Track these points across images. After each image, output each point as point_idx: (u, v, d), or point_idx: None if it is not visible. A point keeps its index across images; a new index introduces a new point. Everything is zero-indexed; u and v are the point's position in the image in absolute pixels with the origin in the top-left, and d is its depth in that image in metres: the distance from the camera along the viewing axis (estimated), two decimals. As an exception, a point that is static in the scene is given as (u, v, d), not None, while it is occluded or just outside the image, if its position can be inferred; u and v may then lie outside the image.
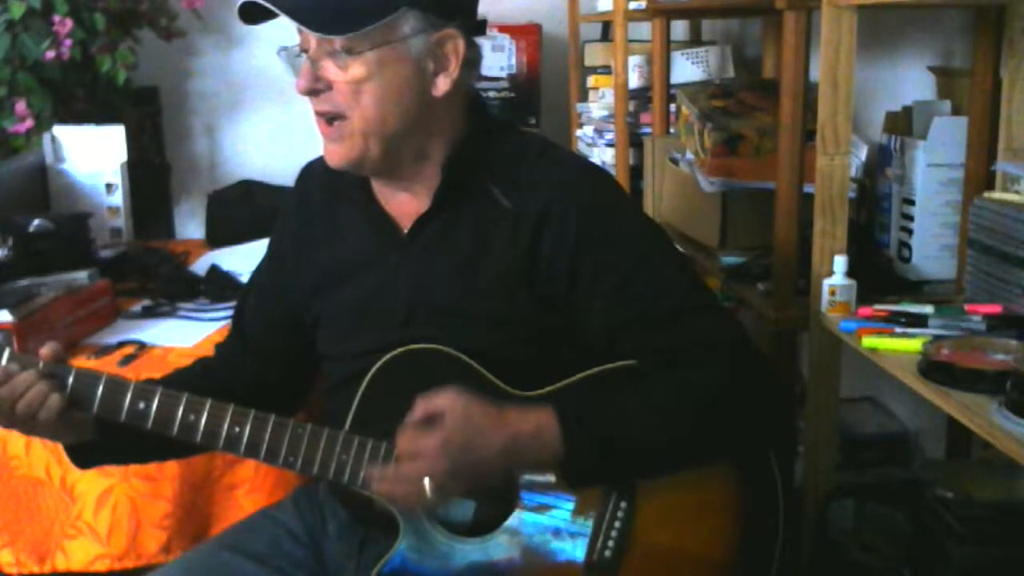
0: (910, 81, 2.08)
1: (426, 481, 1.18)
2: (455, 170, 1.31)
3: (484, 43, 1.36)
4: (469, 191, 1.32)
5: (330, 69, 1.24)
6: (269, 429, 1.25)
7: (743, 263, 2.04)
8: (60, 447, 1.37)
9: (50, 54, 2.64)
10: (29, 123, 2.65)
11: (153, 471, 1.65)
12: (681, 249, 1.66)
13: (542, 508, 1.29)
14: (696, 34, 3.15)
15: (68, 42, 2.65)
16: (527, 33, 3.28)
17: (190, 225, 3.36)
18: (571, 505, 1.29)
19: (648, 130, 2.78)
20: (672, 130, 2.62)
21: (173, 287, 2.14)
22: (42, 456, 1.67)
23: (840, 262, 1.64)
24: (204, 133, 3.52)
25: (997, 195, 1.63)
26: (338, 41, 1.22)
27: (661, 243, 1.34)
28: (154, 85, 3.30)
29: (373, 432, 1.26)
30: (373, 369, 1.29)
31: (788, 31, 1.73)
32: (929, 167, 1.81)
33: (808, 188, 1.77)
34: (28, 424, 1.25)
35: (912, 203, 1.84)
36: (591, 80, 3.16)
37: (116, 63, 2.79)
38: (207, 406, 1.25)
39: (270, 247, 1.50)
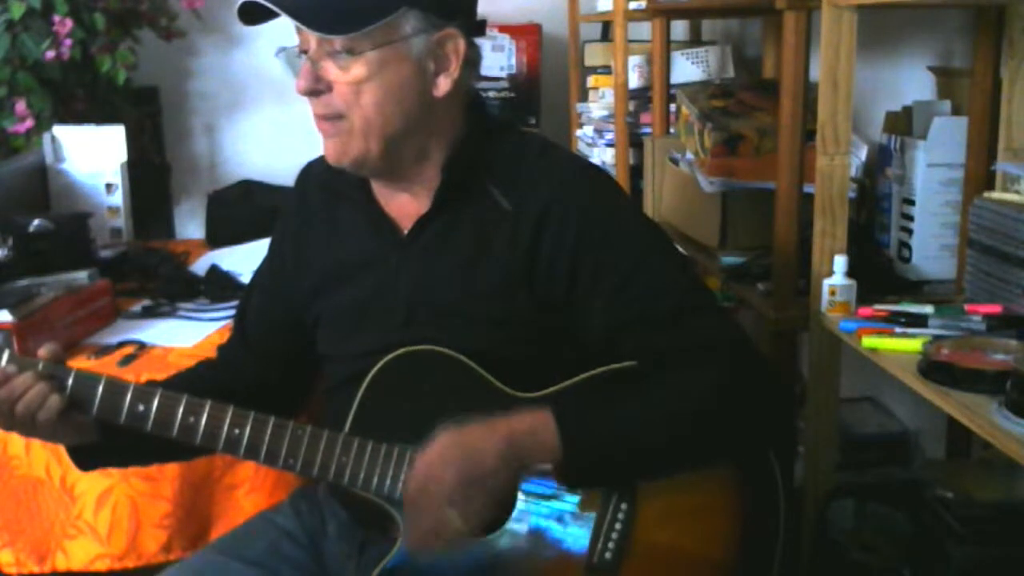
0: (910, 81, 2.08)
1: (447, 510, 1.17)
2: (455, 171, 1.31)
3: (484, 43, 1.36)
4: (469, 192, 1.31)
5: (330, 69, 1.24)
6: (269, 431, 1.25)
7: (743, 263, 2.04)
8: (61, 447, 1.38)
9: (50, 54, 2.63)
10: (29, 123, 2.64)
11: (153, 471, 1.65)
12: (681, 249, 1.66)
13: (543, 509, 1.29)
14: (696, 34, 3.14)
15: (68, 42, 2.64)
16: (527, 33, 3.27)
17: (190, 225, 3.35)
18: (572, 507, 1.28)
19: (648, 130, 2.77)
20: (672, 130, 2.62)
21: (173, 287, 2.14)
22: (42, 456, 1.67)
23: (840, 262, 1.64)
24: (204, 133, 3.52)
25: (997, 195, 1.63)
26: (338, 41, 1.22)
27: (661, 243, 1.34)
28: (154, 85, 3.30)
29: (373, 433, 1.26)
30: (373, 370, 1.29)
31: (788, 31, 1.73)
32: (929, 167, 1.81)
33: (808, 188, 1.77)
34: (28, 426, 1.25)
35: (912, 203, 1.84)
36: (591, 80, 3.15)
37: (116, 63, 2.78)
38: (207, 408, 1.25)
39: (271, 247, 1.50)
